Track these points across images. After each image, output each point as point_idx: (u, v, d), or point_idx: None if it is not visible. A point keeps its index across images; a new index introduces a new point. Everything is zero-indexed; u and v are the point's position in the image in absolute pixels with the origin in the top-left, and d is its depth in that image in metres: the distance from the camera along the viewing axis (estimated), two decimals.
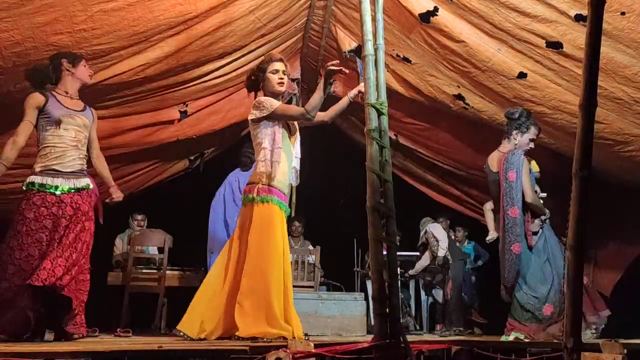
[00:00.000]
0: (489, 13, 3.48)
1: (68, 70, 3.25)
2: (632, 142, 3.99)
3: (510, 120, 3.91)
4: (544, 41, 3.48)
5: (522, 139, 3.89)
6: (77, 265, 3.12)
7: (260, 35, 4.28)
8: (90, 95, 3.69)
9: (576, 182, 1.60)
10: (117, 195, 3.49)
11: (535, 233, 3.77)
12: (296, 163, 3.41)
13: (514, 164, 3.76)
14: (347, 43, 4.59)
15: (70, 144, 3.24)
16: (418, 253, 6.45)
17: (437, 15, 3.66)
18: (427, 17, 3.69)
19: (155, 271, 5.19)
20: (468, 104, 4.44)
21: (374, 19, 2.66)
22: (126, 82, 3.83)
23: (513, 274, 3.71)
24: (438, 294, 6.34)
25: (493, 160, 3.96)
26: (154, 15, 3.34)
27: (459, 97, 4.40)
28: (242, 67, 4.58)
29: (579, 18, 3.21)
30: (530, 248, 3.73)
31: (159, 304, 4.97)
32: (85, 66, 3.32)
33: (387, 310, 2.33)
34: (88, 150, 3.41)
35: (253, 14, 3.89)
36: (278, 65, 3.31)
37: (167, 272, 5.11)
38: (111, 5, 3.13)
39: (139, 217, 5.98)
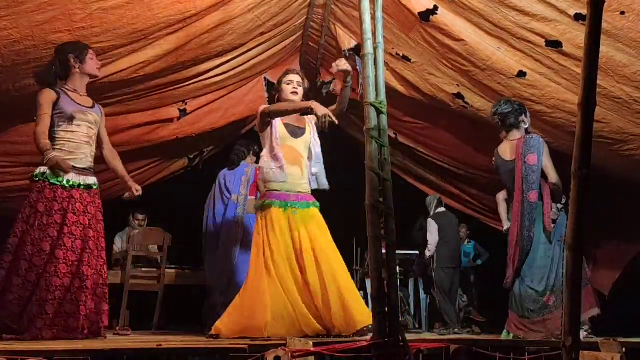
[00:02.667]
0: (488, 12, 3.47)
1: (75, 66, 3.23)
2: (631, 141, 3.99)
3: (508, 114, 3.89)
4: (544, 40, 3.47)
5: (529, 120, 3.88)
6: (89, 265, 3.11)
7: (260, 33, 4.27)
8: (90, 93, 3.68)
9: (575, 181, 1.60)
10: (136, 187, 3.53)
11: (553, 221, 3.69)
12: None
13: (534, 146, 3.74)
14: (347, 42, 4.58)
15: (83, 140, 3.26)
16: (417, 252, 6.45)
17: (436, 13, 3.66)
18: (426, 15, 3.69)
19: (154, 270, 5.19)
20: (467, 103, 4.43)
21: (373, 18, 2.66)
22: (125, 80, 3.82)
23: (524, 257, 3.65)
24: (437, 292, 6.35)
25: (505, 151, 3.90)
26: (153, 13, 3.33)
27: (459, 95, 4.40)
28: (241, 65, 4.58)
29: (578, 17, 3.21)
30: (546, 235, 3.66)
31: (158, 302, 4.97)
32: (92, 58, 3.29)
33: (386, 308, 2.33)
34: (98, 147, 3.43)
35: (252, 12, 3.89)
36: (292, 77, 3.58)
37: (166, 270, 5.11)
38: (110, 3, 3.12)
39: (140, 217, 5.97)
